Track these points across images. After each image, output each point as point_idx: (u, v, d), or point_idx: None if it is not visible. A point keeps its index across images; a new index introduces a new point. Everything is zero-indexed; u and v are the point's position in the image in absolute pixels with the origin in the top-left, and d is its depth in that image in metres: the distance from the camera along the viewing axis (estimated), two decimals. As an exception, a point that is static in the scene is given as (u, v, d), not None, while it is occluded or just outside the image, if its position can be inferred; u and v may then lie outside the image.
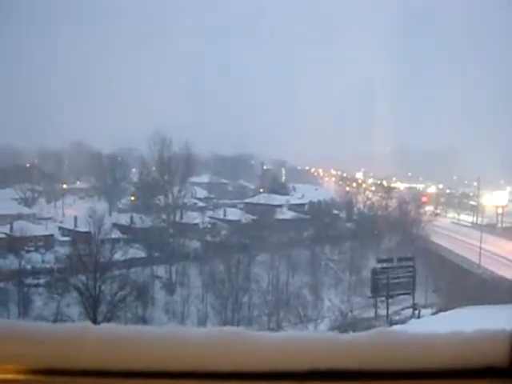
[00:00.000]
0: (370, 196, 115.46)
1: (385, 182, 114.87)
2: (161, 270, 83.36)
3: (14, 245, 78.15)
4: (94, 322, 56.83)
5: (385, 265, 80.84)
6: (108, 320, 58.20)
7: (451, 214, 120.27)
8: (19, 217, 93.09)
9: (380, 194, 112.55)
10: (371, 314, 77.83)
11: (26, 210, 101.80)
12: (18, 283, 70.48)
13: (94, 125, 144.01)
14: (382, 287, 78.90)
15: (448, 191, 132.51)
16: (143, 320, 70.91)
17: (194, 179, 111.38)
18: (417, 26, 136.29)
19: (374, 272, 79.91)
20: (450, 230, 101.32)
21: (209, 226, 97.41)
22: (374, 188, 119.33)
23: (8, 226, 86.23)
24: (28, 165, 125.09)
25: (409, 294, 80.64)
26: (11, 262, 73.04)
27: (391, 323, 69.76)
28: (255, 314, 72.41)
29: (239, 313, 71.39)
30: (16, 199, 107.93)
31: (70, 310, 65.93)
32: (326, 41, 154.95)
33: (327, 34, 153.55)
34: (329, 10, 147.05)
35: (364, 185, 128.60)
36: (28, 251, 79.08)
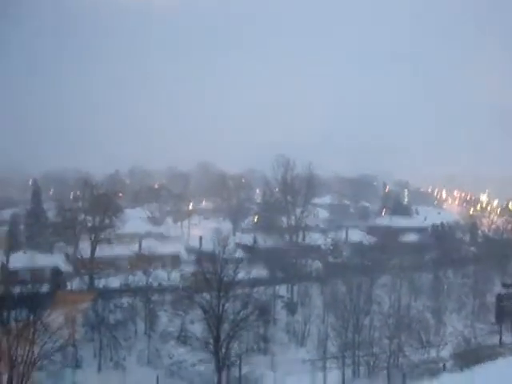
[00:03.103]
0: (495, 219, 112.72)
1: (511, 205, 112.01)
2: (282, 290, 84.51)
3: (143, 262, 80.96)
4: (217, 339, 58.31)
5: (511, 290, 78.85)
6: (230, 338, 59.48)
7: None
8: (148, 235, 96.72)
9: (506, 217, 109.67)
10: (495, 340, 75.90)
11: (154, 229, 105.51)
12: (145, 299, 73.03)
13: (219, 146, 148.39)
14: (507, 313, 77.01)
15: None
16: (264, 339, 71.87)
17: (316, 200, 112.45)
18: None
19: (499, 297, 78.16)
20: None
21: (331, 247, 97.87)
22: (499, 211, 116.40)
23: (137, 244, 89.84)
24: (157, 185, 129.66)
25: (536, 321, 78.34)
26: (139, 279, 75.70)
27: (516, 351, 68.10)
28: (376, 337, 71.98)
29: (360, 334, 71.18)
30: (145, 218, 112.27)
31: (193, 326, 67.73)
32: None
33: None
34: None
35: (489, 207, 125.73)
36: (155, 269, 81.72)
